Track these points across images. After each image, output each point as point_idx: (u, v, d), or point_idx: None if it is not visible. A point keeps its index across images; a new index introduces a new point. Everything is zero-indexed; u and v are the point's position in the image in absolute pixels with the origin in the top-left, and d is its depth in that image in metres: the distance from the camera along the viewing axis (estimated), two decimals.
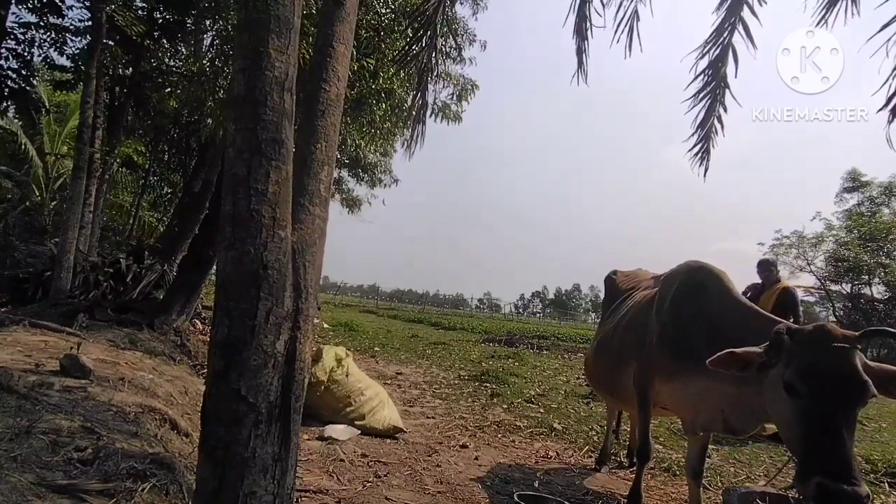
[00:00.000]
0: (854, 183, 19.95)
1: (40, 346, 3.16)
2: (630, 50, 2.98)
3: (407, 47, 3.25)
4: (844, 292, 19.99)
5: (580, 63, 3.10)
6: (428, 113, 3.45)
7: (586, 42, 3.07)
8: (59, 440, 1.66)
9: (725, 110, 3.04)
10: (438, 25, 3.11)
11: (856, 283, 19.48)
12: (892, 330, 1.45)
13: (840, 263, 18.59)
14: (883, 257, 17.83)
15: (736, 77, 2.96)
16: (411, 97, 3.40)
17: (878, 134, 2.65)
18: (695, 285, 2.10)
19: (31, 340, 3.31)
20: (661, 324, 2.17)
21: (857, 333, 1.41)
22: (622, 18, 2.95)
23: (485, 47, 6.87)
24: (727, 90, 3.00)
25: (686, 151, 3.16)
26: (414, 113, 3.41)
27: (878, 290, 19.14)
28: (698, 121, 3.08)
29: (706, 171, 3.19)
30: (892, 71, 2.52)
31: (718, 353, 1.55)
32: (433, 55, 3.15)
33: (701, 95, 3.02)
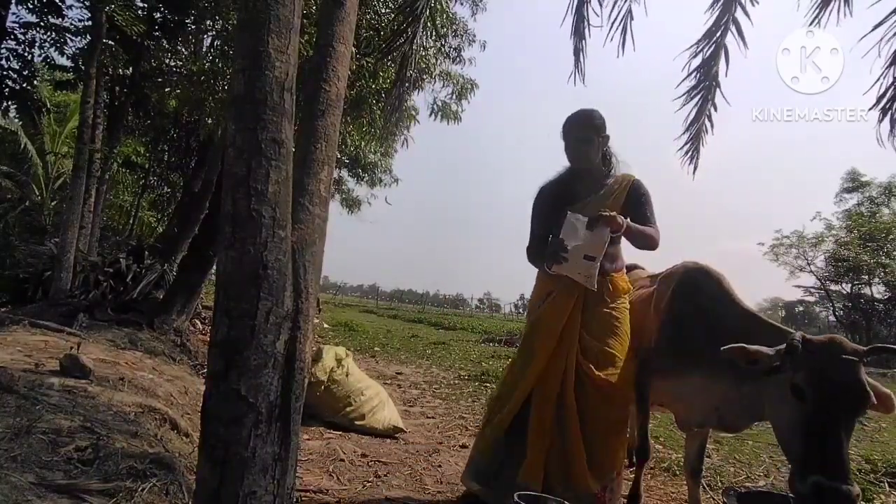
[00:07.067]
0: (854, 183, 19.97)
1: (40, 346, 3.16)
2: (623, 48, 2.99)
3: (391, 38, 3.28)
4: (844, 292, 19.99)
5: (577, 63, 3.11)
6: (408, 93, 3.53)
7: (584, 42, 3.08)
8: (59, 440, 1.66)
9: (716, 109, 3.05)
10: (423, 18, 3.12)
11: (856, 283, 19.47)
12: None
13: (840, 263, 18.58)
14: (883, 257, 17.82)
15: (726, 76, 2.98)
16: (395, 88, 3.44)
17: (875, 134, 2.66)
18: (693, 285, 2.10)
19: (31, 340, 3.31)
20: (660, 322, 2.17)
21: (865, 348, 1.48)
22: (616, 17, 2.97)
23: (484, 47, 6.89)
24: (718, 89, 3.01)
25: (676, 150, 3.18)
26: (395, 104, 3.53)
27: (878, 290, 19.15)
28: (689, 119, 3.10)
29: (695, 169, 3.20)
30: (883, 70, 2.54)
31: (732, 345, 1.60)
32: (413, 47, 3.16)
33: (692, 94, 3.02)
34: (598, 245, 2.04)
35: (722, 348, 1.60)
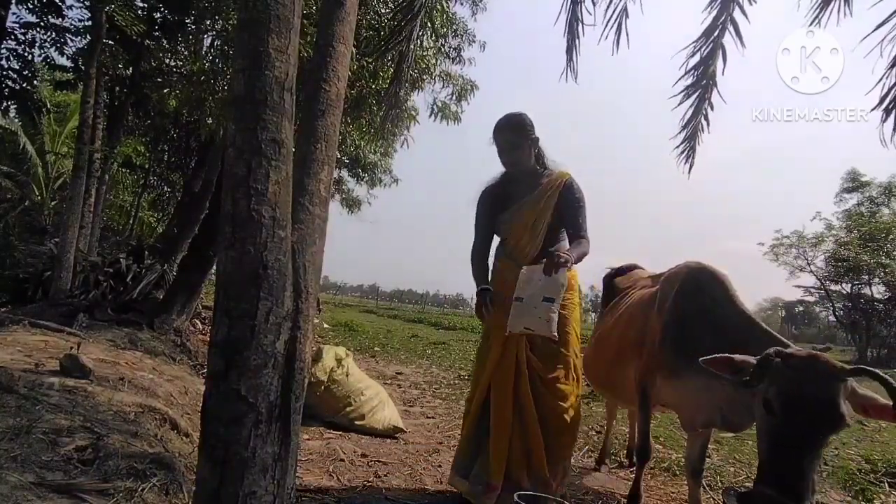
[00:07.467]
0: (854, 183, 19.95)
1: (40, 346, 3.16)
2: (618, 46, 3.01)
3: (389, 37, 3.30)
4: (844, 292, 19.97)
5: (570, 61, 3.14)
6: (401, 90, 3.59)
7: (577, 40, 3.10)
8: (59, 440, 1.66)
9: (713, 108, 3.09)
10: (421, 16, 3.14)
11: (856, 283, 19.45)
12: (878, 371, 1.44)
13: (840, 263, 18.55)
14: (883, 257, 17.79)
15: (723, 75, 3.01)
16: (392, 86, 3.47)
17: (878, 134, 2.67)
18: (697, 286, 2.10)
19: (31, 340, 3.31)
20: (664, 323, 2.17)
21: (848, 367, 1.45)
22: (611, 15, 2.99)
23: (484, 48, 6.87)
24: (715, 88, 3.03)
25: (673, 149, 3.21)
26: (393, 101, 3.64)
27: (878, 290, 19.12)
28: (685, 118, 3.12)
29: (691, 167, 3.24)
30: (886, 71, 2.55)
31: (716, 356, 1.60)
32: (411, 46, 3.18)
33: (689, 92, 3.05)
34: (556, 287, 2.12)
35: (701, 359, 1.60)
